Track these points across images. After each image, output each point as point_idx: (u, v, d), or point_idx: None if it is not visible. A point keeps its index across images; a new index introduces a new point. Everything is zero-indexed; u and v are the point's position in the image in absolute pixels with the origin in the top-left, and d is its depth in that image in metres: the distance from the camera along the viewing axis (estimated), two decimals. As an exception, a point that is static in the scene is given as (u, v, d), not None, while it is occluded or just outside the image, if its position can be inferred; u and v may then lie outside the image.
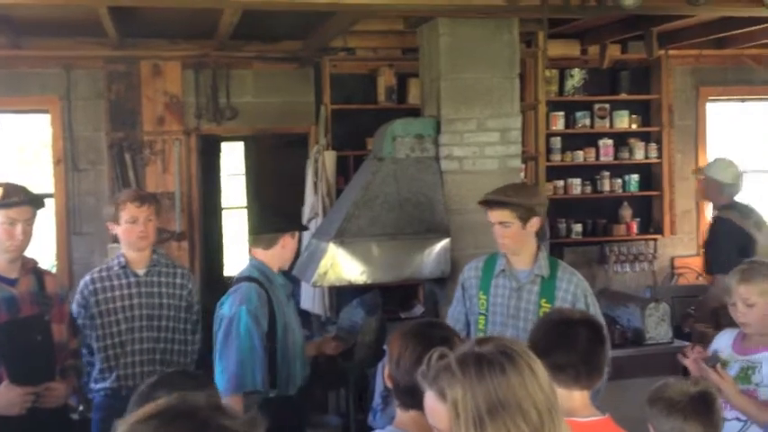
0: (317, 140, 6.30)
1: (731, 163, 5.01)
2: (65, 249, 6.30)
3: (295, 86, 6.73)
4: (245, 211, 8.84)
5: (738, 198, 5.00)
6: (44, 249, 6.34)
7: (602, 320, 3.15)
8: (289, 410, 3.46)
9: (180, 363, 3.70)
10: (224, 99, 6.56)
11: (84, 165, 6.34)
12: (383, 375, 2.31)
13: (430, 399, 1.54)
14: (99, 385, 3.61)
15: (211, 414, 1.17)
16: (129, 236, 3.62)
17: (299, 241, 3.97)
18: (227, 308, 3.40)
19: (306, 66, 6.68)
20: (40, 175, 6.43)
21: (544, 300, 3.32)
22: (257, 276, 3.48)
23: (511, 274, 3.41)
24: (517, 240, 3.34)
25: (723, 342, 3.21)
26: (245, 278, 3.49)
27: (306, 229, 3.71)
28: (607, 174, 7.02)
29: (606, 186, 7.02)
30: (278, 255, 3.58)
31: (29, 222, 3.06)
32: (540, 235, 5.05)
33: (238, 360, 3.27)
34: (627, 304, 4.85)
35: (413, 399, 2.14)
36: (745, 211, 4.99)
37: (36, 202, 3.21)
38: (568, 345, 2.29)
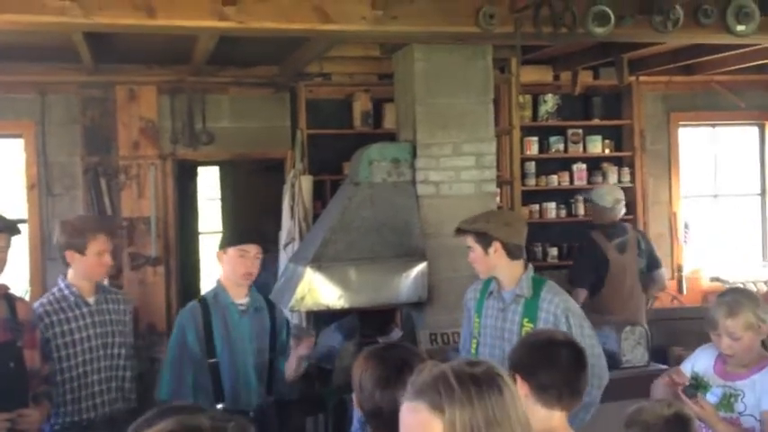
0: (294, 165, 6.31)
1: (611, 190, 5.77)
2: (39, 275, 6.22)
3: (271, 111, 6.74)
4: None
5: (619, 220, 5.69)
6: (17, 275, 6.25)
7: (591, 341, 3.25)
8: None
9: (133, 388, 3.72)
10: (200, 124, 6.55)
11: (59, 190, 6.28)
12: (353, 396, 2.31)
13: (415, 411, 1.47)
14: (55, 420, 3.47)
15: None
16: (95, 268, 3.56)
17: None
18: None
19: (282, 91, 6.70)
20: (12, 200, 6.34)
21: (526, 319, 3.34)
22: (206, 296, 3.68)
23: (498, 296, 3.46)
24: (482, 264, 3.43)
25: (703, 362, 3.18)
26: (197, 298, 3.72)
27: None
28: (581, 198, 7.10)
29: (581, 210, 7.09)
30: (227, 271, 3.63)
31: (3, 249, 3.03)
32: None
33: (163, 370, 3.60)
34: (602, 327, 4.87)
35: (379, 421, 2.15)
36: (613, 233, 5.57)
37: (12, 229, 3.17)
38: (552, 365, 2.32)
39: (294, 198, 6.00)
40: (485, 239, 3.38)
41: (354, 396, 2.24)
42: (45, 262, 6.22)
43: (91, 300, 3.59)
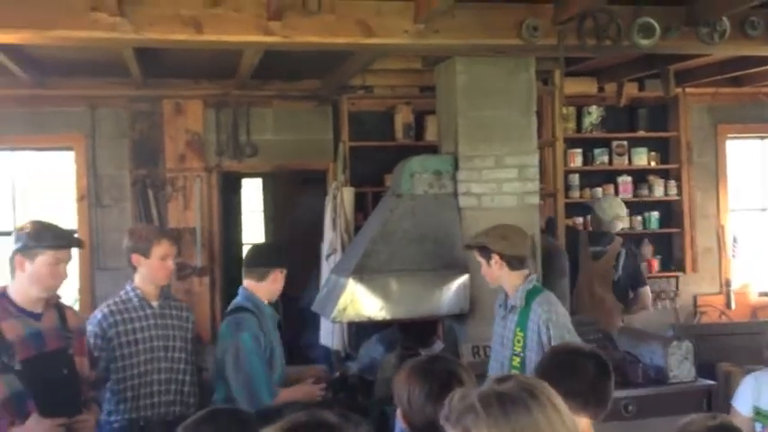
0: (336, 177, 6.36)
1: (614, 205, 5.88)
2: (88, 284, 6.37)
3: (314, 124, 6.82)
4: (265, 247, 8.89)
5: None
6: (67, 284, 6.40)
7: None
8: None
9: (193, 393, 3.83)
10: (244, 136, 6.66)
11: (108, 201, 6.43)
12: (398, 412, 2.30)
13: None
14: (115, 417, 3.62)
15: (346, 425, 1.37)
16: (159, 272, 3.73)
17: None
18: (229, 336, 3.78)
19: (324, 103, 6.77)
20: (63, 212, 6.50)
21: (518, 329, 3.55)
22: (250, 306, 3.83)
23: (504, 304, 3.73)
24: (488, 275, 3.71)
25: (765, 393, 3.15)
26: (240, 308, 3.85)
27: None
28: (627, 211, 7.00)
29: (626, 223, 6.99)
30: (267, 288, 3.90)
31: (65, 263, 3.14)
32: (557, 272, 5.12)
33: (249, 381, 3.70)
34: (649, 342, 4.81)
35: (432, 435, 2.14)
36: (597, 240, 5.87)
37: (80, 243, 3.34)
38: (576, 374, 2.35)
39: (336, 210, 6.04)
40: (485, 253, 3.65)
41: (400, 411, 2.22)
42: (94, 272, 6.37)
43: (154, 303, 3.75)
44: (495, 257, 3.61)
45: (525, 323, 3.51)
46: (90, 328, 3.58)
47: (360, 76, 6.11)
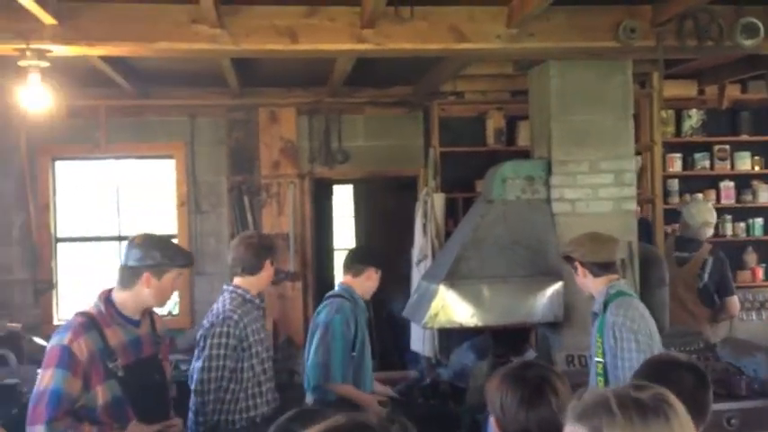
0: (426, 183, 6.37)
1: (703, 211, 5.69)
2: (187, 289, 6.58)
3: (405, 130, 6.86)
4: (355, 252, 8.99)
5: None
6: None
7: (630, 354, 3.35)
8: None
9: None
10: (336, 143, 6.76)
11: (206, 207, 6.65)
12: (491, 421, 2.28)
13: None
14: (236, 415, 3.67)
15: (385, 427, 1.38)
16: (268, 280, 3.99)
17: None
18: (323, 316, 4.15)
19: (415, 110, 6.80)
20: (164, 217, 6.76)
21: (598, 335, 3.54)
22: (347, 296, 4.23)
23: (593, 314, 3.72)
24: (578, 283, 3.76)
25: None
26: (337, 295, 4.24)
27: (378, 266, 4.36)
28: (729, 217, 6.74)
29: (729, 230, 6.73)
30: (361, 283, 4.29)
31: (177, 280, 3.26)
32: (654, 281, 4.96)
33: (326, 358, 4.02)
34: (753, 354, 4.60)
35: (527, 444, 2.11)
36: (684, 246, 5.70)
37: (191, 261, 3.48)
38: (674, 384, 2.25)
39: (427, 215, 6.04)
40: (570, 262, 3.73)
41: (493, 419, 2.20)
42: (193, 277, 6.58)
43: (257, 301, 3.93)
44: (578, 265, 3.66)
45: (603, 329, 3.52)
46: (222, 329, 3.62)
47: (451, 82, 6.11)
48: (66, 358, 2.85)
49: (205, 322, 3.74)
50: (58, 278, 6.62)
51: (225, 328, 3.61)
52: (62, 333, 2.94)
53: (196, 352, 3.70)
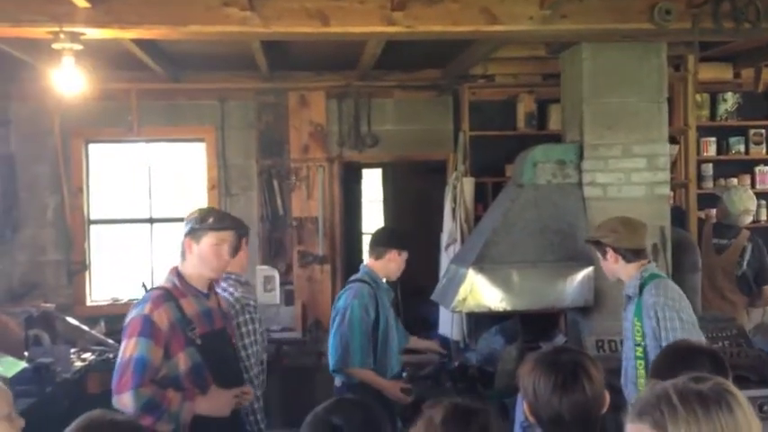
0: (456, 167, 6.34)
1: (743, 199, 5.59)
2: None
3: (434, 114, 6.82)
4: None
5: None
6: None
7: (677, 334, 3.34)
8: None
9: None
10: (365, 127, 6.75)
11: (236, 190, 6.69)
12: (523, 406, 2.27)
13: (638, 430, 1.43)
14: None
15: None
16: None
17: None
18: (342, 301, 4.20)
19: (445, 93, 6.76)
20: (194, 200, 6.82)
21: (636, 319, 3.53)
22: (367, 279, 4.23)
23: (625, 297, 3.71)
24: (605, 269, 3.77)
25: None
26: (357, 280, 4.26)
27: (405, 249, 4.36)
28: (764, 203, 6.61)
29: (764, 216, 6.61)
30: (384, 266, 4.29)
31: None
32: (687, 267, 4.90)
33: (345, 343, 4.08)
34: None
35: (561, 428, 2.09)
36: (722, 233, 5.63)
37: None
38: (693, 370, 2.23)
39: (456, 200, 6.02)
40: (599, 247, 3.71)
41: (526, 404, 2.19)
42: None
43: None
44: (610, 251, 3.65)
45: (641, 312, 3.51)
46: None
47: (481, 65, 6.06)
48: (149, 327, 2.95)
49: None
50: (91, 259, 6.72)
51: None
52: (141, 305, 3.04)
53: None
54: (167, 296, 3.08)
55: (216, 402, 3.08)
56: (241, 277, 3.87)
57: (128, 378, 2.89)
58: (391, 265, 4.30)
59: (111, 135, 6.69)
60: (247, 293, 3.85)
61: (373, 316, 4.13)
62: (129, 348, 2.94)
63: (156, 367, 2.95)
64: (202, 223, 3.19)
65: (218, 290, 3.62)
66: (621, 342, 4.64)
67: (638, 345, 3.52)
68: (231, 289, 3.76)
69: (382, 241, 4.35)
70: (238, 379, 3.32)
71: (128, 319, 3.05)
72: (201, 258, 3.18)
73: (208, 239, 3.18)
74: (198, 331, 3.08)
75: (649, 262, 3.69)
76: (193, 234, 3.18)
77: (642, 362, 3.48)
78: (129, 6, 3.99)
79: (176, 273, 3.20)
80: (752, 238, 5.62)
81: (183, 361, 3.01)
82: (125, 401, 2.87)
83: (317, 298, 6.61)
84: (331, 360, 4.21)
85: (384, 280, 4.32)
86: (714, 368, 2.32)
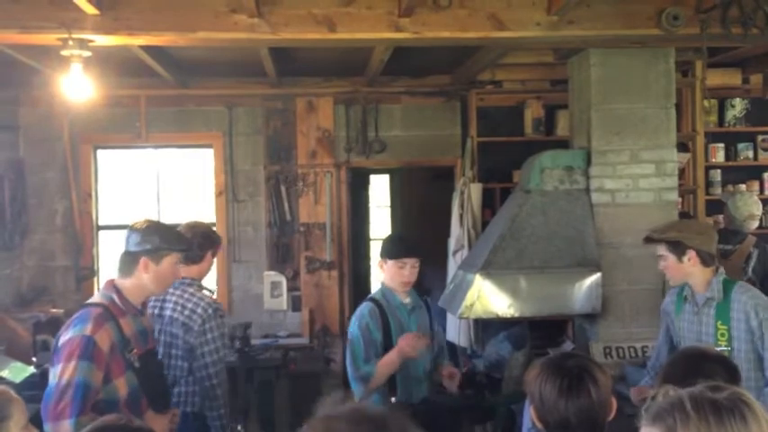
0: (463, 173, 6.34)
1: (748, 204, 5.40)
2: (225, 275, 6.66)
3: (442, 120, 6.83)
4: (391, 242, 9.02)
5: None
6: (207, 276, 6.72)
7: None
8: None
9: None
10: (373, 133, 6.75)
11: (243, 196, 6.71)
12: (530, 412, 2.26)
13: None
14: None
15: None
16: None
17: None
18: (351, 327, 3.81)
19: (453, 99, 6.77)
20: (202, 206, 6.83)
21: (719, 322, 3.40)
22: (377, 296, 3.81)
23: (692, 299, 3.54)
24: (676, 272, 3.52)
25: None
26: (368, 298, 3.85)
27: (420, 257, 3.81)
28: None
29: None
30: (388, 278, 3.78)
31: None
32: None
33: (348, 364, 3.70)
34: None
35: (567, 432, 2.09)
36: (727, 238, 5.35)
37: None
38: (704, 376, 2.21)
39: (463, 206, 6.02)
40: (678, 248, 3.48)
41: (533, 409, 2.19)
42: (231, 263, 6.66)
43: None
44: (691, 254, 3.46)
45: (727, 314, 3.39)
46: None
47: (489, 71, 6.06)
48: (91, 349, 2.75)
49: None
50: (100, 265, 6.75)
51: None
52: (81, 324, 2.82)
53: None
54: (107, 315, 2.87)
55: (155, 429, 2.85)
56: (201, 282, 3.82)
57: (66, 404, 2.66)
58: (391, 276, 3.78)
59: (120, 141, 6.71)
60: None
61: (377, 335, 3.69)
62: (68, 371, 2.70)
63: (97, 391, 2.75)
64: (170, 245, 3.06)
65: (186, 295, 3.63)
66: (633, 349, 4.64)
67: (721, 348, 3.38)
68: (206, 292, 3.78)
69: (381, 251, 3.89)
70: (167, 400, 3.20)
71: (65, 339, 2.81)
72: (158, 278, 3.04)
73: (170, 259, 3.06)
74: (135, 352, 2.94)
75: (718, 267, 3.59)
76: (155, 254, 3.01)
77: None
78: (138, 13, 4.00)
79: (114, 288, 3.00)
80: (758, 243, 5.59)
81: (122, 386, 2.85)
82: (63, 430, 2.65)
83: (325, 304, 6.61)
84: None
85: (401, 295, 3.79)
86: (726, 375, 2.30)
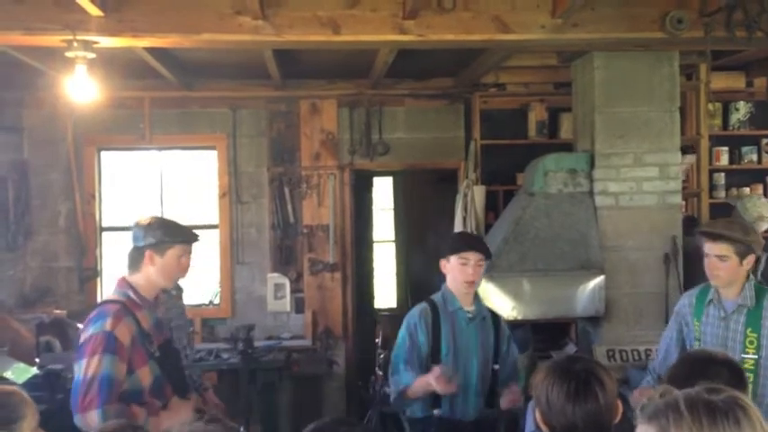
0: (467, 175, 6.34)
1: (757, 205, 5.23)
2: (228, 276, 6.66)
3: (445, 122, 6.83)
4: (394, 244, 9.02)
5: None
6: (208, 277, 6.73)
7: None
8: None
9: None
10: (376, 135, 6.76)
11: (247, 198, 6.71)
12: (534, 415, 2.26)
13: None
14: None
15: None
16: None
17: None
18: (402, 326, 3.63)
19: (456, 102, 6.77)
20: (205, 208, 6.84)
21: (749, 329, 3.31)
22: (435, 298, 3.61)
23: (719, 304, 3.43)
24: (731, 274, 3.36)
25: None
26: (425, 299, 3.65)
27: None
28: (777, 212, 6.57)
29: (774, 225, 6.56)
30: (450, 278, 3.57)
31: (188, 257, 3.28)
32: (701, 277, 4.86)
33: (391, 364, 3.58)
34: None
35: (573, 438, 2.08)
36: None
37: (197, 238, 3.48)
38: (709, 380, 2.20)
39: (467, 208, 6.02)
40: (744, 251, 3.33)
41: (538, 413, 2.18)
42: (234, 265, 6.66)
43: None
44: (751, 259, 3.35)
45: (759, 322, 3.30)
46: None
47: (492, 74, 6.06)
48: (113, 343, 2.90)
49: None
50: (103, 266, 6.75)
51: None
52: (100, 320, 2.95)
53: None
54: (125, 310, 3.01)
55: (179, 416, 2.98)
56: None
57: (93, 396, 2.83)
58: (454, 275, 3.55)
59: (124, 142, 6.72)
60: None
61: (422, 339, 3.49)
62: (92, 366, 2.87)
63: (122, 383, 2.91)
64: (172, 237, 3.15)
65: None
66: (636, 352, 4.63)
67: (751, 357, 3.31)
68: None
69: (443, 250, 3.62)
70: (186, 385, 3.33)
71: (86, 336, 2.95)
72: (164, 270, 3.14)
73: (174, 252, 3.15)
74: (154, 343, 3.08)
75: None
76: (158, 246, 3.12)
77: (752, 375, 3.24)
78: (142, 15, 4.01)
79: (128, 285, 3.13)
80: (767, 247, 5.58)
81: (145, 376, 2.99)
82: (91, 420, 2.80)
83: (328, 306, 6.61)
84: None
85: (464, 300, 3.56)
86: (732, 378, 2.29)
